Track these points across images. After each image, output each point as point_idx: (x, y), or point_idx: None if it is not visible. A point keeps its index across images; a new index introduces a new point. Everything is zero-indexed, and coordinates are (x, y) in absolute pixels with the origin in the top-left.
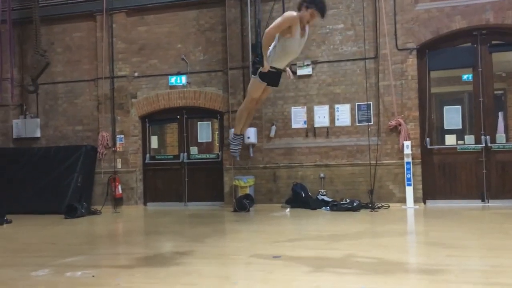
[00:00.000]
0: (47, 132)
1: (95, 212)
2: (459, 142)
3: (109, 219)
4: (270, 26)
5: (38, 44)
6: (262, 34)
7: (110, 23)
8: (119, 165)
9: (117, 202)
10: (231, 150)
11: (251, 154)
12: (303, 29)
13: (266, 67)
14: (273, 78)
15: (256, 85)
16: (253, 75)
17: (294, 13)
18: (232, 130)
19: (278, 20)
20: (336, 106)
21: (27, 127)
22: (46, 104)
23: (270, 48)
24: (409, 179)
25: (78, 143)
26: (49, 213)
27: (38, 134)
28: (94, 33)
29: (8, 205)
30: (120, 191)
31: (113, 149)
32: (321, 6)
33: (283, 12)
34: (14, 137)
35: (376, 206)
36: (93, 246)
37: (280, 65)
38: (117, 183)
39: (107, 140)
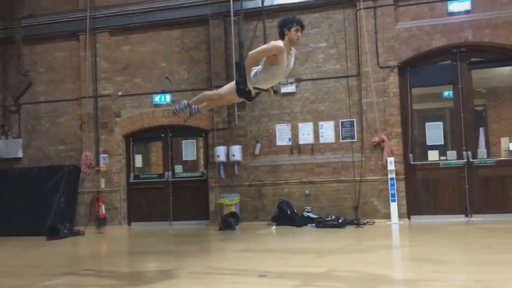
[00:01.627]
0: (29, 152)
1: (78, 233)
2: (442, 157)
3: (92, 240)
4: (255, 50)
5: (20, 63)
6: (245, 54)
7: (94, 42)
8: (102, 185)
9: (101, 222)
10: (174, 109)
11: (236, 172)
12: (289, 53)
13: (250, 89)
14: (249, 95)
15: (231, 92)
16: (235, 84)
17: (280, 43)
18: (186, 101)
19: (264, 46)
20: (320, 123)
21: (8, 148)
22: (28, 124)
23: (254, 70)
24: (393, 195)
25: (61, 163)
26: (31, 234)
27: (20, 155)
28: (77, 53)
29: None
30: (104, 211)
31: (97, 168)
32: (297, 19)
33: (264, 32)
34: None
35: (361, 223)
36: (77, 268)
37: (264, 86)
38: (100, 203)
39: (91, 160)
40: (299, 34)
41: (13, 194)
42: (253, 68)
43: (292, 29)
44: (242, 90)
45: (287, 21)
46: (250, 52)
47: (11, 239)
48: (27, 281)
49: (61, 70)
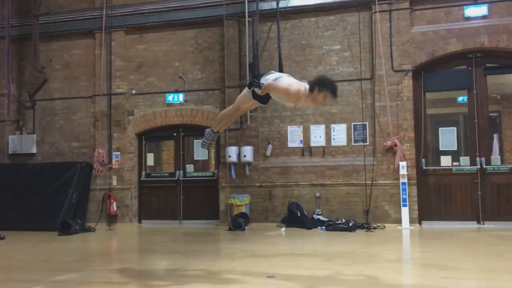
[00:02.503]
0: (43, 148)
1: (89, 229)
2: (455, 163)
3: (103, 237)
4: (278, 84)
5: (36, 60)
6: (260, 54)
7: (109, 41)
8: (114, 182)
9: (112, 219)
10: (202, 142)
11: (247, 173)
12: (304, 101)
13: (262, 92)
14: (264, 98)
15: (246, 98)
16: (247, 89)
17: (303, 92)
18: (209, 129)
19: (288, 88)
20: (332, 126)
21: (23, 143)
22: (43, 120)
23: (273, 75)
24: (404, 200)
25: (74, 159)
26: (43, 229)
27: (34, 150)
28: (92, 51)
29: (1, 221)
30: (115, 208)
31: (109, 166)
32: (333, 88)
33: (279, 32)
34: (9, 152)
35: (372, 227)
36: (87, 264)
37: (274, 97)
38: (112, 200)
39: (103, 157)
40: (326, 101)
41: (26, 189)
42: (272, 72)
43: (322, 93)
44: (254, 91)
45: (324, 83)
46: (272, 83)
47: (23, 234)
48: (36, 276)
49: (76, 67)
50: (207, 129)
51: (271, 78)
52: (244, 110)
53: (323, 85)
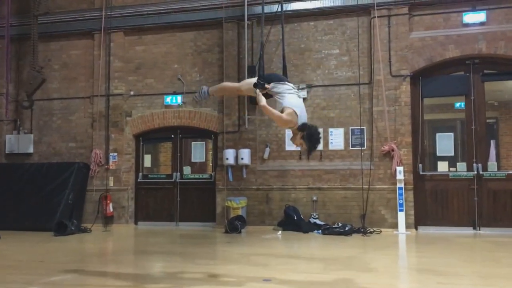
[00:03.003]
0: (40, 148)
1: (85, 230)
2: (451, 169)
3: (99, 238)
4: (272, 112)
5: (35, 60)
6: (260, 56)
7: (108, 41)
8: (111, 183)
9: (108, 220)
10: (194, 97)
11: (244, 175)
12: (292, 134)
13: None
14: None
15: (250, 89)
16: (254, 87)
17: (292, 123)
18: (206, 88)
19: (278, 117)
20: (330, 129)
21: (20, 143)
22: (41, 120)
23: (278, 89)
24: (401, 205)
25: (71, 160)
26: (39, 230)
27: (31, 150)
28: (91, 51)
29: None
30: (111, 210)
31: (106, 167)
32: (312, 147)
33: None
34: (6, 152)
35: (368, 231)
36: (82, 265)
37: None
38: (108, 201)
39: (100, 158)
40: (301, 147)
41: (22, 189)
42: (281, 83)
43: (303, 141)
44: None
45: (311, 139)
46: (266, 109)
47: (19, 234)
48: (30, 276)
49: (74, 68)
50: (204, 87)
51: (275, 90)
52: (244, 94)
53: (308, 139)
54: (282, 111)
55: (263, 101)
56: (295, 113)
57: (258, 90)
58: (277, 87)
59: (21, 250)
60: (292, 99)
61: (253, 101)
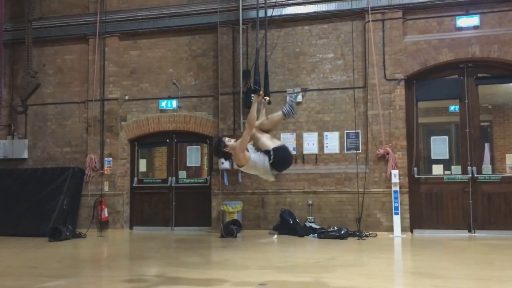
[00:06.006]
0: (34, 153)
1: (80, 235)
2: (446, 172)
3: (94, 243)
4: (235, 150)
5: (29, 65)
6: (254, 61)
7: (103, 46)
8: (106, 188)
9: (103, 225)
10: (291, 111)
11: (240, 180)
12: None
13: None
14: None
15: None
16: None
17: (242, 162)
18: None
19: (235, 153)
20: (325, 133)
21: (14, 148)
22: (35, 125)
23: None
24: (396, 208)
25: (65, 165)
26: (33, 235)
27: (26, 155)
28: (86, 56)
29: None
30: (106, 215)
31: (101, 171)
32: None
33: (266, 45)
34: (0, 157)
35: (364, 235)
36: (76, 270)
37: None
38: (103, 206)
39: (95, 163)
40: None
41: (17, 194)
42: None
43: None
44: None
45: (280, 164)
46: (234, 148)
47: (13, 239)
48: (24, 282)
49: (69, 72)
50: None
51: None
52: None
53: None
54: (246, 155)
55: (254, 110)
56: (250, 160)
57: (254, 96)
58: (258, 153)
59: (15, 255)
60: (258, 157)
61: (249, 105)
